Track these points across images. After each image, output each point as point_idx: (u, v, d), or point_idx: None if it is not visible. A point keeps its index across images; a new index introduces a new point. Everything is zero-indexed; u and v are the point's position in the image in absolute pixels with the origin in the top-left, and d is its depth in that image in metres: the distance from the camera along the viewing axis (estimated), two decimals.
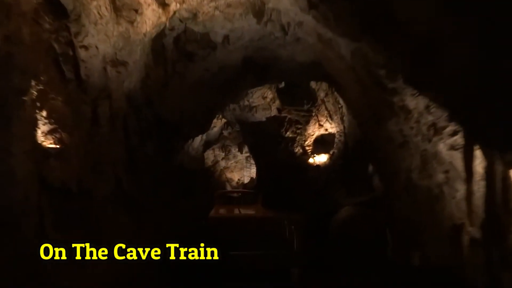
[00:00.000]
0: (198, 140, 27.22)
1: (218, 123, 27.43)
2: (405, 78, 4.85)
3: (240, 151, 29.93)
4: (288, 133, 19.59)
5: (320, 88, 18.40)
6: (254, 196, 10.52)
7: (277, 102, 19.27)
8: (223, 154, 29.95)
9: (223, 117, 23.02)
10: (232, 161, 29.62)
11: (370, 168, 16.80)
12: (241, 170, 28.90)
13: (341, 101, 16.71)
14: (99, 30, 8.23)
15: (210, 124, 15.98)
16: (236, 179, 29.66)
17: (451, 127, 4.66)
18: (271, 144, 20.12)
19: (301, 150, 19.20)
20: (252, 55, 11.01)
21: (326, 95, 18.05)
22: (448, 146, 4.90)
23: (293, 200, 17.41)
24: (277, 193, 18.93)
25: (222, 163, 29.50)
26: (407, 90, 5.06)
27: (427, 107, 4.91)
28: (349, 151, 17.00)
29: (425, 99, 4.88)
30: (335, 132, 18.00)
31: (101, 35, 8.33)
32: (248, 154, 31.64)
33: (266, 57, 11.05)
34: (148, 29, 8.45)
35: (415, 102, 5.09)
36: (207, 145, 29.65)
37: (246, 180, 30.38)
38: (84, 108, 8.52)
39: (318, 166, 18.21)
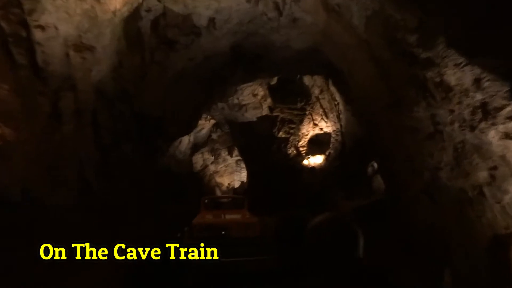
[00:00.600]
0: (185, 143, 25.89)
1: (206, 125, 26.20)
2: (450, 41, 3.66)
3: (230, 154, 28.59)
4: (280, 133, 18.37)
5: (315, 85, 17.24)
6: (241, 201, 10.15)
7: (269, 100, 18.04)
8: (213, 158, 28.72)
9: (212, 117, 21.72)
10: (222, 165, 28.74)
11: (370, 169, 15.69)
12: (231, 174, 28.63)
13: (337, 98, 15.55)
14: (58, 7, 6.86)
15: (196, 123, 14.66)
16: (226, 184, 28.96)
17: (510, 108, 3.48)
18: (262, 145, 18.87)
19: (294, 151, 17.99)
20: (242, 43, 9.76)
21: (321, 92, 16.88)
22: (501, 134, 3.70)
23: (287, 205, 16.17)
24: (269, 198, 17.70)
25: (212, 167, 28.54)
26: (449, 59, 3.84)
27: (477, 82, 3.70)
28: (346, 152, 15.83)
29: (475, 70, 3.69)
30: (331, 131, 16.83)
31: (61, 13, 6.97)
32: (238, 158, 30.50)
33: (257, 45, 9.81)
34: (118, 6, 7.13)
35: (458, 75, 3.85)
36: (195, 148, 28.36)
37: (237, 184, 29.22)
38: (40, 100, 7.14)
39: (313, 168, 17.02)
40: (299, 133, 18.06)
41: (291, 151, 18.04)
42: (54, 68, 7.17)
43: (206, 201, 9.99)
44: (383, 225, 12.06)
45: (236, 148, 30.69)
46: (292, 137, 18.19)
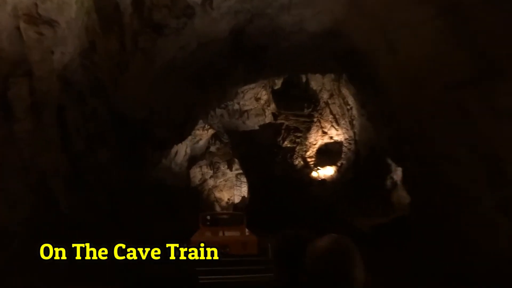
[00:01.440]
0: (181, 155, 24.13)
1: (204, 135, 24.51)
2: None
3: (230, 168, 27.25)
4: (285, 142, 16.63)
5: (323, 89, 15.58)
6: (240, 218, 9.88)
7: (272, 105, 16.35)
8: (211, 171, 27.43)
9: (210, 126, 20.02)
10: (221, 179, 27.22)
11: (388, 182, 13.92)
12: (231, 189, 27.02)
13: (350, 101, 13.87)
14: None
15: (191, 128, 12.92)
16: (225, 199, 27.33)
17: None
18: (265, 156, 17.12)
19: (302, 163, 16.22)
20: (244, 27, 8.12)
21: (331, 96, 15.22)
22: None
23: (292, 222, 14.38)
24: (273, 214, 15.89)
25: (211, 182, 27.05)
26: None
27: None
28: (361, 162, 14.10)
29: None
30: (343, 139, 15.11)
31: None
32: (238, 172, 29.01)
33: (262, 31, 8.16)
34: None
35: None
36: (193, 160, 26.61)
37: (237, 199, 27.67)
38: None
39: (323, 180, 15.24)
40: (307, 143, 16.32)
41: (298, 162, 16.28)
42: (0, 45, 5.49)
43: (205, 217, 9.57)
44: (408, 247, 10.28)
45: (236, 161, 29.39)
46: (298, 147, 16.44)
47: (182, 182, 25.01)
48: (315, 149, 16.23)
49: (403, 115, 8.41)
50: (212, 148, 29.08)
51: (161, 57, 7.89)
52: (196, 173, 28.90)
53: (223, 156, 29.11)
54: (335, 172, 15.04)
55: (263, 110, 16.44)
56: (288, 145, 16.57)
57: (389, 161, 13.22)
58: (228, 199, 27.27)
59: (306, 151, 16.32)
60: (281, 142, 16.71)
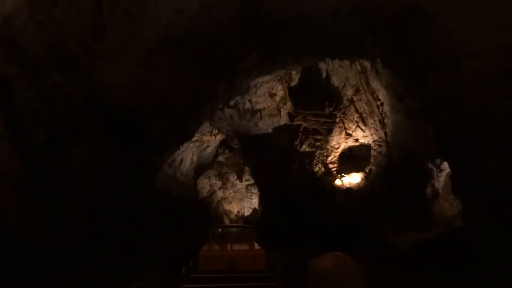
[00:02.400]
0: (187, 163, 22.16)
1: (211, 142, 22.58)
2: None
3: (240, 179, 26.13)
4: (303, 146, 14.58)
5: (347, 84, 13.58)
6: (249, 231, 9.60)
7: (289, 104, 14.36)
8: (220, 183, 26.17)
9: (218, 130, 18.06)
10: (231, 191, 26.18)
11: (429, 190, 11.73)
12: (241, 200, 25.97)
13: (382, 95, 11.82)
14: None
15: (194, 125, 10.97)
16: (235, 211, 26.03)
17: None
18: (281, 163, 15.08)
19: (322, 169, 14.15)
20: None
21: (357, 92, 13.20)
22: None
23: (314, 237, 12.35)
24: (290, 229, 13.80)
25: (219, 193, 25.88)
26: None
27: None
28: (394, 167, 11.96)
29: None
30: (371, 141, 13.03)
31: None
32: (248, 182, 27.35)
33: None
34: None
35: None
36: (200, 169, 24.66)
37: (247, 212, 26.00)
38: None
39: (348, 189, 13.12)
40: (328, 146, 14.27)
41: (318, 168, 14.20)
42: None
43: (213, 231, 9.25)
44: (466, 272, 8.16)
45: (246, 171, 27.68)
46: (318, 152, 14.38)
47: (189, 193, 23.01)
48: (337, 154, 14.16)
49: (469, 102, 6.39)
50: (221, 158, 27.56)
51: (152, 22, 5.98)
52: (204, 184, 27.31)
53: (232, 166, 27.60)
54: (362, 179, 12.93)
55: (278, 109, 14.46)
56: (307, 150, 14.51)
57: (430, 165, 11.10)
58: (238, 212, 26.06)
59: (327, 156, 14.26)
60: (298, 146, 14.66)
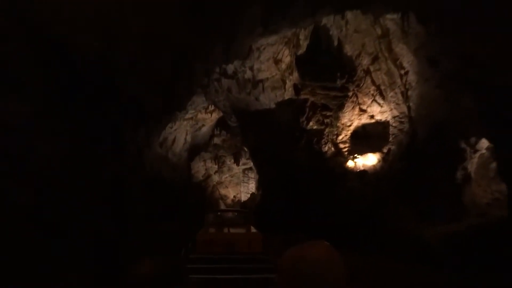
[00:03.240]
0: (180, 143, 20.37)
1: (207, 120, 20.83)
2: None
3: (236, 162, 25.07)
4: (311, 124, 12.87)
5: (363, 52, 11.81)
6: (246, 216, 9.16)
7: (295, 75, 12.59)
8: (216, 166, 25.13)
9: (214, 105, 16.29)
10: (227, 175, 25.21)
11: (459, 173, 10.06)
12: (237, 185, 25.12)
13: (406, 63, 10.07)
14: None
15: (187, 90, 9.16)
16: (231, 196, 25.12)
17: None
18: (284, 142, 13.40)
19: (332, 149, 12.47)
20: None
21: (375, 60, 11.42)
22: None
23: (321, 226, 10.80)
24: (293, 214, 12.22)
25: (215, 177, 24.86)
26: None
27: None
28: (418, 146, 10.27)
29: None
30: (389, 118, 11.32)
31: None
32: (246, 166, 26.47)
33: None
34: None
35: None
36: (194, 150, 22.98)
37: (244, 197, 24.94)
38: None
39: (363, 172, 11.45)
40: (338, 124, 12.57)
41: (328, 148, 12.52)
42: None
43: (210, 215, 9.20)
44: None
45: (243, 155, 26.51)
46: (327, 129, 12.68)
47: (182, 176, 21.31)
48: (349, 133, 12.47)
49: None
50: (217, 140, 26.33)
51: None
52: (200, 168, 26.10)
53: (229, 149, 26.44)
54: (379, 161, 11.26)
55: (283, 80, 12.70)
56: (314, 128, 12.81)
57: (463, 144, 9.43)
58: (234, 197, 25.02)
59: (337, 135, 12.57)
60: (305, 123, 12.95)
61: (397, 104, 10.92)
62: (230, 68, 11.24)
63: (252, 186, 25.71)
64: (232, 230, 7.88)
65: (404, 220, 10.00)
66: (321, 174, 12.18)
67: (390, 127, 11.24)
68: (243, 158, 26.69)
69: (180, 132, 18.51)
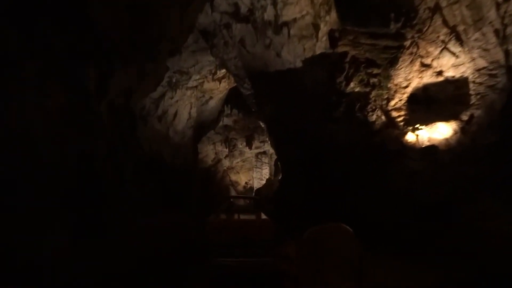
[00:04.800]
0: (184, 118, 16.99)
1: (215, 91, 17.41)
2: None
3: (249, 146, 23.36)
4: (352, 85, 9.56)
5: None
6: (257, 203, 9.16)
7: (333, 15, 9.22)
8: (227, 150, 23.43)
9: (225, 67, 12.97)
10: (239, 160, 23.51)
11: None
12: (249, 171, 23.50)
13: None
14: None
15: (188, 26, 5.91)
16: (242, 183, 23.31)
17: None
18: (313, 112, 10.14)
19: (382, 118, 9.14)
20: None
21: None
22: None
23: (363, 224, 7.46)
24: (323, 206, 9.06)
25: (226, 162, 23.18)
26: None
27: None
28: None
29: None
30: (469, 73, 7.92)
31: None
32: (259, 150, 24.76)
33: None
34: None
35: None
36: (200, 129, 19.69)
37: (256, 183, 22.81)
38: None
39: (432, 148, 8.10)
40: (390, 85, 9.23)
41: (375, 117, 9.20)
42: None
43: (221, 203, 9.00)
44: None
45: (256, 138, 24.70)
46: (375, 92, 9.35)
47: (186, 159, 18.13)
48: (405, 96, 9.11)
49: None
50: (227, 121, 24.37)
51: None
52: (209, 151, 24.08)
53: (241, 131, 23.50)
54: (455, 132, 7.89)
55: (315, 26, 9.35)
56: (357, 90, 9.49)
57: None
58: (246, 183, 23.41)
59: (389, 100, 9.22)
60: (343, 85, 9.63)
61: (484, 50, 7.52)
62: (245, 2, 7.98)
63: (266, 172, 23.62)
64: (242, 216, 7.95)
65: (499, 221, 6.68)
66: (368, 152, 8.91)
67: (471, 84, 7.84)
68: (256, 141, 24.48)
69: (183, 105, 15.29)
